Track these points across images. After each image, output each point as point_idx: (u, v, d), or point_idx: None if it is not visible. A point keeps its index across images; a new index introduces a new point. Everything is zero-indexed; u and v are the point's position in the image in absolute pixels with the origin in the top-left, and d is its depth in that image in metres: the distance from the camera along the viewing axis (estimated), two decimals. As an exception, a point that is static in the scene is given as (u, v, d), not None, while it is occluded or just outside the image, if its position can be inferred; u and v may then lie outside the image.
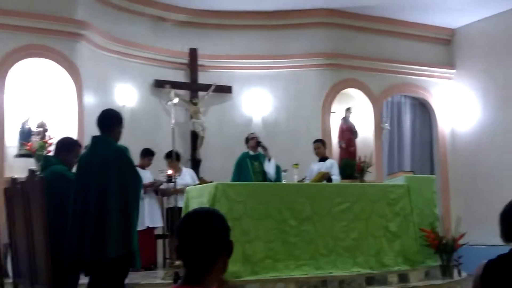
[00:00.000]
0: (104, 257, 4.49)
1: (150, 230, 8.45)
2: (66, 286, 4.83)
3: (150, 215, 8.39)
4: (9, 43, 8.42)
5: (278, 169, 8.33)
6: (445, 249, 7.37)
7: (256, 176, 8.27)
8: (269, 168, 8.27)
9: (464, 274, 7.58)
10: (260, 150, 8.37)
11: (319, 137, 10.09)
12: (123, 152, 4.77)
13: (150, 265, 8.27)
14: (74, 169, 5.14)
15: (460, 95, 11.86)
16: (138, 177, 4.83)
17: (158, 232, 8.90)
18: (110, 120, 5.00)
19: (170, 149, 8.04)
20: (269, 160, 8.29)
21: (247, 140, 8.57)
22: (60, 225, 4.66)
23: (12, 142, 8.45)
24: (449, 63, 12.05)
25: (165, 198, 8.78)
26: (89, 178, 4.69)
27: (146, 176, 8.47)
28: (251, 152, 8.48)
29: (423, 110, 12.20)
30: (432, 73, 11.93)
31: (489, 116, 11.27)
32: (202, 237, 2.02)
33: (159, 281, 6.83)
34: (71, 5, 8.96)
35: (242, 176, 8.27)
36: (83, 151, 5.32)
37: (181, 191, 7.96)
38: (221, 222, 2.09)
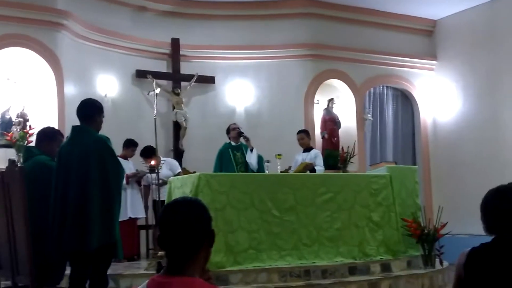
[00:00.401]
0: (85, 248, 4.46)
1: (132, 220, 8.40)
2: (51, 278, 4.79)
3: (132, 206, 8.34)
4: (-12, 32, 8.31)
5: (260, 160, 8.31)
6: (426, 239, 7.41)
7: (238, 166, 8.26)
8: (251, 158, 8.25)
9: (446, 264, 7.65)
10: (242, 140, 8.34)
11: (302, 127, 10.09)
12: (104, 142, 4.73)
13: (133, 256, 8.23)
14: (56, 159, 5.09)
15: (442, 86, 11.93)
16: (119, 167, 4.79)
17: (141, 223, 8.86)
18: (90, 110, 4.95)
19: (151, 139, 8.00)
20: (251, 150, 8.27)
21: (229, 130, 8.53)
22: (43, 215, 4.61)
23: (-9, 133, 8.36)
24: (431, 54, 12.11)
25: (152, 188, 8.75)
26: (69, 168, 4.65)
27: (129, 166, 8.43)
28: (233, 143, 8.45)
29: (405, 101, 12.25)
30: (414, 64, 11.98)
31: (470, 107, 11.35)
32: (183, 227, 2.01)
33: (142, 271, 6.79)
34: (52, -6, 8.86)
35: (224, 167, 8.25)
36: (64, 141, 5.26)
37: (162, 184, 7.97)
38: (203, 212, 2.08)
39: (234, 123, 8.70)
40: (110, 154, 4.73)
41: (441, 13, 11.74)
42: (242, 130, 8.41)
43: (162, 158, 8.91)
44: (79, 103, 5.02)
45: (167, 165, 8.82)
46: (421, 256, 7.51)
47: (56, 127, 8.23)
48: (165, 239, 2.03)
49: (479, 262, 2.72)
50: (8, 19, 8.43)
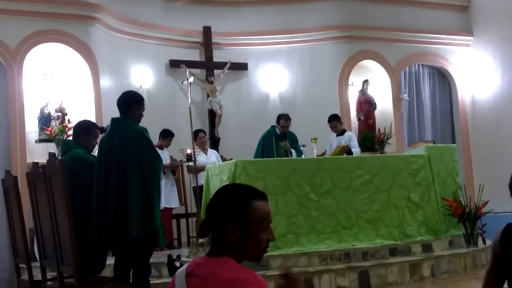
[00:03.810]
0: (126, 236, 4.55)
1: (167, 210, 8.45)
2: (93, 266, 4.90)
3: (166, 196, 8.41)
4: (24, 29, 8.46)
5: (296, 142, 8.40)
6: (468, 218, 7.32)
7: (279, 156, 8.27)
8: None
9: (488, 242, 7.54)
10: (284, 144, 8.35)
11: (337, 110, 10.05)
12: (142, 133, 4.79)
13: (171, 243, 8.35)
14: (95, 152, 5.18)
15: (479, 62, 11.68)
16: (158, 158, 4.86)
17: (181, 211, 8.96)
18: (127, 102, 5.01)
19: (188, 128, 8.05)
20: (290, 153, 8.31)
21: (279, 119, 8.52)
22: (82, 207, 4.71)
23: (32, 128, 8.54)
24: (467, 30, 11.86)
25: (188, 177, 8.82)
26: (109, 159, 4.74)
27: (164, 157, 8.51)
28: (278, 131, 8.48)
29: (442, 79, 12.04)
30: (450, 41, 11.74)
31: (509, 82, 11.09)
32: (211, 206, 2.12)
33: (184, 258, 6.88)
34: (83, -12, 8.96)
35: (266, 153, 8.30)
36: (103, 132, 5.35)
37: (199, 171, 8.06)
38: (233, 191, 2.15)
39: (286, 119, 8.56)
40: (148, 146, 4.79)
41: (475, -13, 11.48)
42: (286, 145, 8.35)
43: (209, 150, 9.02)
44: (115, 95, 5.10)
45: (215, 156, 8.93)
46: (463, 235, 7.43)
47: (94, 120, 8.40)
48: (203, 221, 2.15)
49: None
50: (42, 15, 8.58)
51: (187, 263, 2.16)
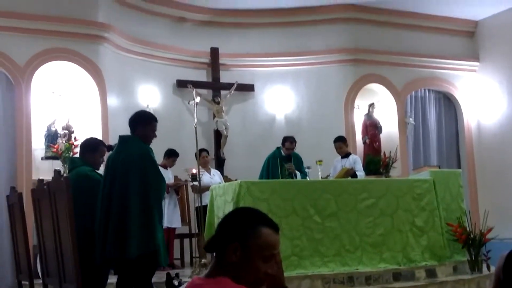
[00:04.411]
0: (126, 255, 4.55)
1: (168, 230, 8.41)
2: (95, 284, 4.89)
3: (168, 215, 8.39)
4: (33, 47, 8.54)
5: (300, 163, 8.40)
6: (473, 244, 7.26)
7: (284, 178, 8.27)
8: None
9: (493, 269, 7.47)
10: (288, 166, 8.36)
11: (343, 133, 10.05)
12: (146, 152, 4.81)
13: (171, 264, 8.30)
14: (102, 169, 5.20)
15: (485, 87, 11.71)
16: (160, 178, 4.87)
17: (185, 231, 8.94)
18: (135, 120, 5.07)
19: (193, 148, 8.08)
20: (295, 175, 8.32)
21: (284, 142, 8.54)
22: (86, 224, 4.72)
23: (39, 145, 8.58)
24: (473, 56, 11.90)
25: (192, 197, 8.81)
26: (114, 178, 4.76)
27: (168, 176, 8.53)
28: (283, 153, 8.50)
29: (448, 104, 12.06)
30: (456, 66, 11.78)
31: (515, 108, 11.11)
32: (221, 222, 2.12)
33: (186, 279, 6.86)
34: (93, 7, 9.04)
35: (271, 173, 8.30)
36: (110, 150, 5.37)
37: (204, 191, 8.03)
38: (246, 212, 2.14)
39: (292, 141, 8.57)
40: (151, 165, 4.80)
41: (482, 13, 11.53)
42: (291, 167, 8.36)
43: (212, 170, 9.03)
44: (122, 114, 5.15)
45: (218, 176, 8.94)
46: (467, 261, 7.37)
47: (100, 138, 8.45)
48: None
49: None
50: (51, 34, 8.65)
51: (185, 284, 2.13)
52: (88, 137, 5.83)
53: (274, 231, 2.10)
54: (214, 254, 2.11)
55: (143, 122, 5.04)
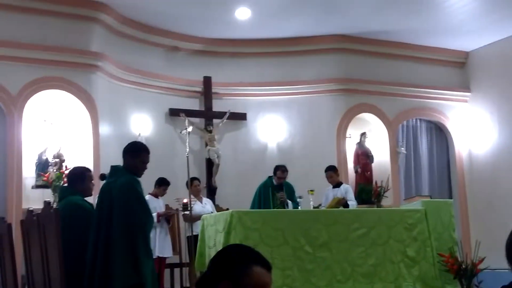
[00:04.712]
0: None
1: (159, 259, 8.35)
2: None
3: (160, 244, 8.34)
4: (26, 75, 8.56)
5: (292, 192, 8.40)
6: (465, 274, 7.25)
7: (276, 208, 8.26)
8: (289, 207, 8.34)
9: (485, 299, 7.45)
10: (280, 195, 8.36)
11: (335, 162, 10.07)
12: (131, 184, 4.78)
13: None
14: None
15: (476, 118, 11.79)
16: (145, 211, 4.81)
17: (175, 260, 8.88)
18: (124, 151, 5.06)
19: (185, 176, 8.08)
20: (287, 204, 8.32)
21: (276, 171, 8.55)
22: (75, 255, 4.68)
23: (29, 173, 8.54)
24: (464, 86, 12.01)
25: (183, 226, 8.77)
26: (102, 209, 4.75)
27: (159, 205, 8.50)
28: (275, 182, 8.50)
29: (439, 133, 12.13)
30: (447, 96, 11.88)
31: (506, 138, 11.17)
32: (213, 258, 2.10)
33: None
34: (86, 36, 9.09)
35: (262, 204, 8.29)
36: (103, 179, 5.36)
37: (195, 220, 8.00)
38: (239, 250, 2.12)
39: (283, 170, 8.59)
40: (134, 199, 4.75)
41: (473, 44, 11.67)
42: (282, 196, 8.36)
43: (204, 199, 9.01)
44: (114, 142, 5.16)
45: (210, 205, 8.92)
46: (459, 292, 7.34)
47: (92, 167, 8.43)
48: None
49: None
50: (44, 62, 8.68)
51: None
52: (72, 167, 5.83)
53: (267, 270, 2.07)
54: None
55: (131, 153, 5.03)
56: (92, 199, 5.63)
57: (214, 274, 2.05)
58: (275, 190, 8.43)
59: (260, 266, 2.06)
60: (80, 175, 5.28)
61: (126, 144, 5.22)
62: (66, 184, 6.95)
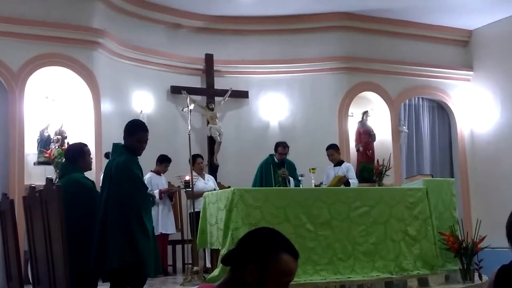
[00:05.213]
0: (107, 266, 4.56)
1: (162, 236, 8.40)
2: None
3: (163, 221, 8.38)
4: (27, 52, 8.53)
5: (293, 170, 8.39)
6: (465, 253, 7.27)
7: (277, 185, 8.27)
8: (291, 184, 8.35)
9: (485, 278, 7.47)
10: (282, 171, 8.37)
11: (337, 140, 10.07)
12: (127, 164, 4.78)
13: (164, 270, 8.28)
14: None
15: (479, 96, 11.75)
16: (138, 193, 4.79)
17: (177, 237, 8.92)
18: (124, 130, 5.06)
19: (187, 154, 8.07)
20: (289, 181, 8.32)
21: (277, 147, 8.55)
22: (76, 232, 4.70)
23: (31, 150, 8.55)
24: (467, 65, 11.96)
25: (185, 203, 8.80)
26: (103, 188, 4.80)
27: (162, 182, 8.54)
28: (277, 160, 8.50)
29: (442, 112, 12.10)
30: (450, 75, 11.83)
31: (508, 117, 11.15)
32: (243, 239, 2.10)
33: (178, 286, 6.84)
34: (87, 13, 9.04)
35: (264, 181, 8.30)
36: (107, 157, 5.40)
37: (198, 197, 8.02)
38: (270, 234, 2.11)
39: (284, 146, 8.61)
40: (129, 178, 4.75)
41: (476, 23, 11.59)
42: (284, 172, 8.37)
43: (206, 175, 9.02)
44: (116, 119, 5.17)
45: (212, 181, 8.94)
46: (459, 270, 7.37)
47: (93, 144, 8.46)
48: None
49: (508, 280, 2.66)
50: (45, 39, 8.64)
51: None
52: (71, 143, 5.85)
53: (294, 258, 2.07)
54: (230, 268, 2.09)
55: (127, 131, 5.03)
56: (94, 176, 5.65)
57: (241, 256, 2.05)
58: (277, 167, 8.43)
59: (289, 253, 2.06)
60: (79, 151, 5.27)
61: (128, 121, 5.22)
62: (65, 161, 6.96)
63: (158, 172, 8.52)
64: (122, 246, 4.59)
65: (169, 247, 8.77)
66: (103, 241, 4.60)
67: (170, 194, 8.64)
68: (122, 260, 4.58)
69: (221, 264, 5.43)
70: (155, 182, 8.41)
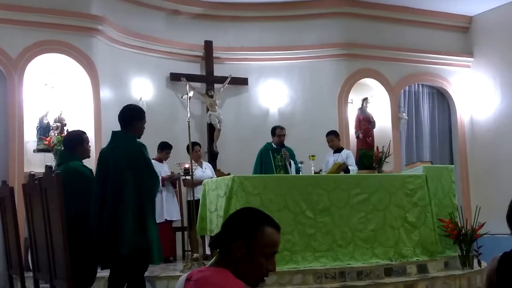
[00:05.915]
0: (118, 253, 4.55)
1: (168, 222, 8.48)
2: (84, 279, 4.88)
3: (168, 208, 8.43)
4: (26, 39, 8.49)
5: (292, 156, 8.40)
6: (464, 239, 7.30)
7: (278, 170, 8.28)
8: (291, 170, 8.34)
9: (484, 264, 7.51)
10: (283, 151, 8.38)
11: (336, 127, 10.05)
12: (139, 150, 4.79)
13: (169, 257, 8.32)
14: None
15: (479, 83, 11.73)
16: (154, 176, 4.84)
17: (177, 224, 8.95)
18: (128, 116, 5.03)
19: (186, 141, 8.08)
20: (289, 164, 8.31)
21: (274, 132, 8.54)
22: (75, 220, 4.70)
23: (30, 137, 8.54)
24: (467, 51, 11.92)
25: (184, 191, 8.82)
26: (107, 174, 4.76)
27: (164, 169, 8.55)
28: (275, 145, 8.49)
29: (441, 99, 12.08)
30: (450, 62, 11.80)
31: (508, 104, 11.14)
32: (227, 220, 2.29)
33: (178, 273, 6.86)
34: (87, 0, 8.99)
35: (264, 168, 8.30)
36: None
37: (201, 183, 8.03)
38: (251, 212, 2.30)
39: (282, 128, 8.64)
40: (144, 164, 4.78)
41: (476, 9, 11.54)
42: (285, 153, 8.38)
43: (204, 163, 9.02)
44: (115, 106, 5.14)
45: (210, 169, 8.94)
46: (458, 256, 7.41)
47: (93, 131, 8.46)
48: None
49: (511, 267, 2.67)
50: (44, 26, 8.60)
51: (191, 270, 2.34)
52: (69, 131, 5.82)
53: (276, 230, 2.26)
54: (218, 250, 2.25)
55: (138, 116, 5.06)
56: (93, 164, 5.63)
57: (228, 234, 2.21)
58: (276, 152, 8.42)
59: (271, 226, 2.25)
60: (78, 139, 5.27)
61: (125, 108, 5.20)
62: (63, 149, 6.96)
63: (160, 160, 8.55)
64: (136, 231, 4.62)
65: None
66: (114, 228, 4.58)
67: (172, 181, 8.66)
68: (134, 245, 4.60)
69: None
70: (157, 170, 8.40)
